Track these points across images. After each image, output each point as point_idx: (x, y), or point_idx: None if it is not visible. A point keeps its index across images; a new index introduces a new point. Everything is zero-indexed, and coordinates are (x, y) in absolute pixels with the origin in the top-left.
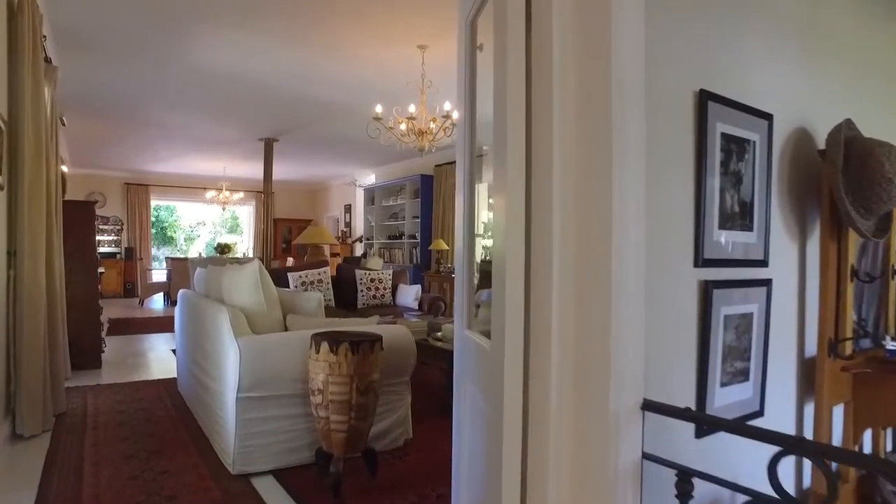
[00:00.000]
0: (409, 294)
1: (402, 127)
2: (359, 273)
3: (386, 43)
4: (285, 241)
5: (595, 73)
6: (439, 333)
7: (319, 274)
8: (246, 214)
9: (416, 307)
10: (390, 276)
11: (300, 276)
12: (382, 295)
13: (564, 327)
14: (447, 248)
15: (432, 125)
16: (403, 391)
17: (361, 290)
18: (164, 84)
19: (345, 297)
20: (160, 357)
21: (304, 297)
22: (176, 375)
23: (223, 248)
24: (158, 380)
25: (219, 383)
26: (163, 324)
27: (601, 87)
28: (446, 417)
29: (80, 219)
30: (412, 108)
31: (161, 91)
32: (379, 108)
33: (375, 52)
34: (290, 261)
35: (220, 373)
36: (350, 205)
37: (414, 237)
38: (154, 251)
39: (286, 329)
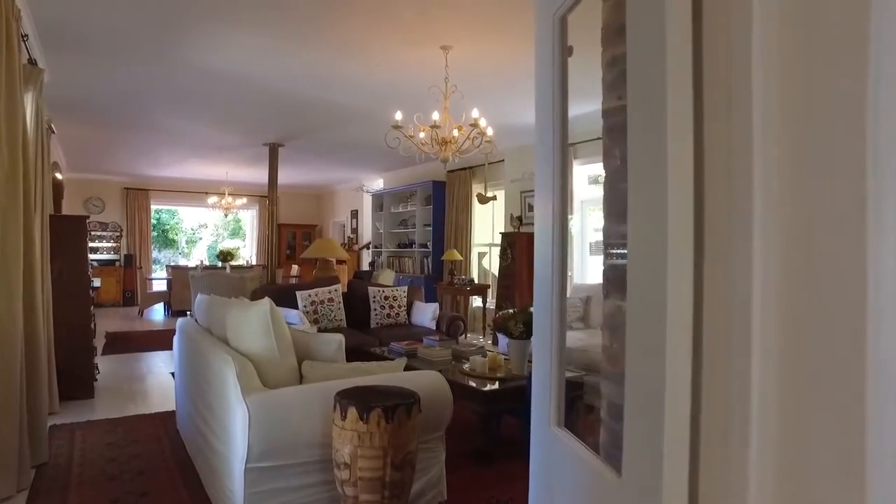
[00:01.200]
0: (426, 313)
1: (422, 135)
2: (372, 291)
3: (406, 43)
4: (289, 246)
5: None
6: (466, 365)
7: (330, 292)
8: (249, 218)
9: (434, 327)
10: (405, 294)
11: (310, 296)
12: (397, 314)
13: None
14: (461, 258)
15: (456, 133)
16: (437, 447)
17: (375, 309)
18: (164, 87)
19: (357, 315)
20: (159, 382)
21: (323, 341)
22: (175, 408)
23: (226, 256)
24: (156, 413)
25: (225, 446)
26: (162, 339)
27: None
28: (481, 465)
29: (71, 235)
30: (435, 116)
31: (161, 95)
32: (399, 116)
33: (394, 54)
34: (294, 269)
35: (226, 435)
36: (357, 210)
37: (425, 246)
38: (155, 254)
39: (301, 378)
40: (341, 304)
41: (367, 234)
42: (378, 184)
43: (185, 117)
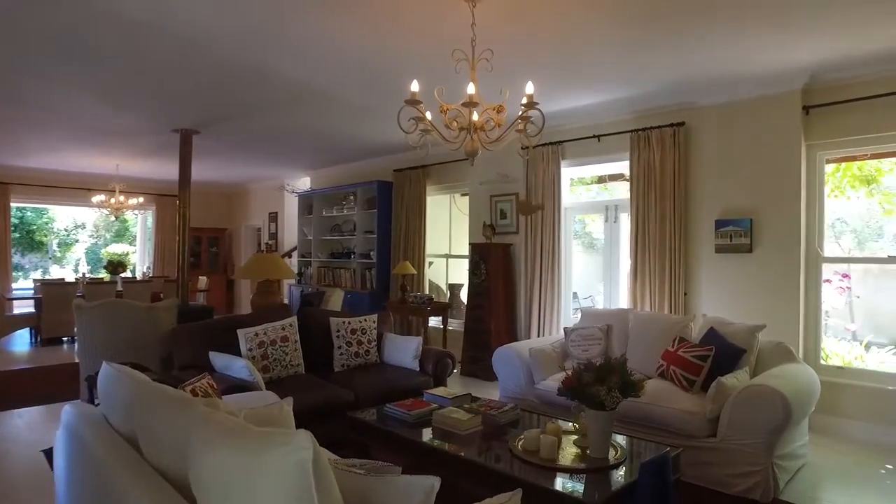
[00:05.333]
0: (405, 349)
1: (429, 115)
2: (335, 323)
3: None
4: (194, 254)
5: None
6: (520, 443)
7: (284, 329)
8: (143, 221)
9: (417, 367)
10: (374, 325)
11: (256, 335)
12: (367, 351)
13: None
14: (414, 271)
15: (494, 116)
16: None
17: (340, 347)
18: (34, 31)
19: (314, 355)
20: (21, 469)
21: (396, 487)
22: None
23: (116, 266)
24: None
25: None
26: (29, 385)
27: None
28: None
29: None
30: (471, 89)
31: (29, 44)
32: (415, 86)
33: (392, 5)
34: (202, 281)
35: None
36: (276, 213)
37: (368, 256)
38: (17, 258)
39: None
40: (298, 344)
41: (289, 240)
42: (304, 183)
43: (64, 85)
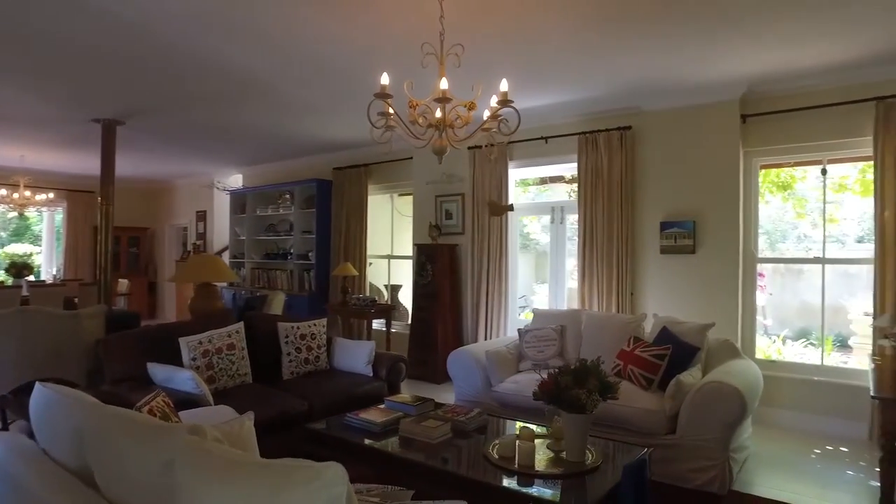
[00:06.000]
0: (357, 354)
1: (392, 112)
2: (283, 328)
3: None
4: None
5: None
6: (495, 450)
7: (230, 336)
8: (49, 219)
9: (370, 373)
10: (324, 330)
11: (201, 343)
12: (317, 357)
13: None
14: (356, 273)
15: (463, 114)
16: None
17: (289, 353)
18: None
19: (261, 363)
20: None
21: None
22: None
23: (20, 269)
24: None
25: None
26: None
27: None
28: None
29: None
30: (444, 84)
31: None
32: (385, 79)
33: None
34: (123, 284)
35: None
36: (205, 211)
37: (306, 258)
38: None
39: None
40: (245, 352)
41: (219, 239)
42: (236, 180)
43: None
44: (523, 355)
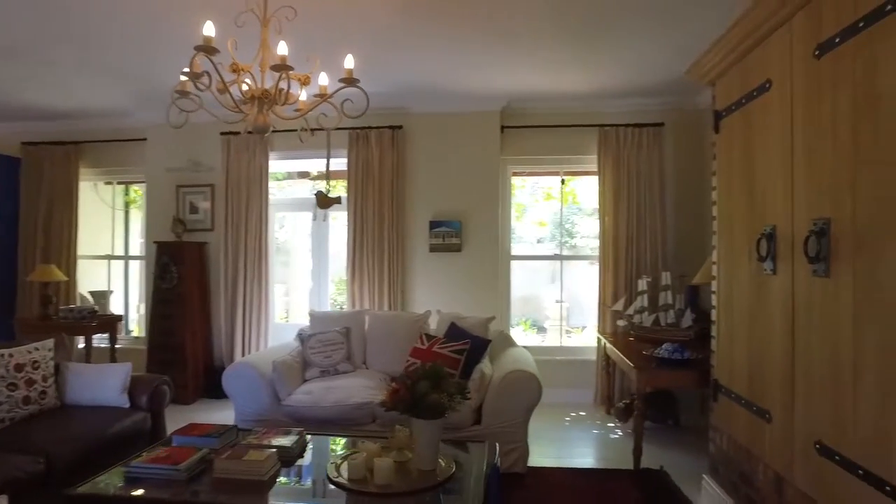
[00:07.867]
0: (104, 381)
1: (205, 80)
2: None
3: None
4: None
5: None
6: (344, 472)
7: None
8: None
9: (128, 403)
10: (52, 355)
11: None
12: (42, 393)
13: None
14: (64, 278)
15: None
16: None
17: None
18: None
19: None
20: None
21: None
22: None
23: None
24: None
25: None
26: None
27: None
28: None
29: None
30: (283, 49)
31: None
32: (210, 29)
33: None
34: None
35: None
36: None
37: None
38: None
39: None
40: None
41: None
42: None
43: None
44: (309, 362)
